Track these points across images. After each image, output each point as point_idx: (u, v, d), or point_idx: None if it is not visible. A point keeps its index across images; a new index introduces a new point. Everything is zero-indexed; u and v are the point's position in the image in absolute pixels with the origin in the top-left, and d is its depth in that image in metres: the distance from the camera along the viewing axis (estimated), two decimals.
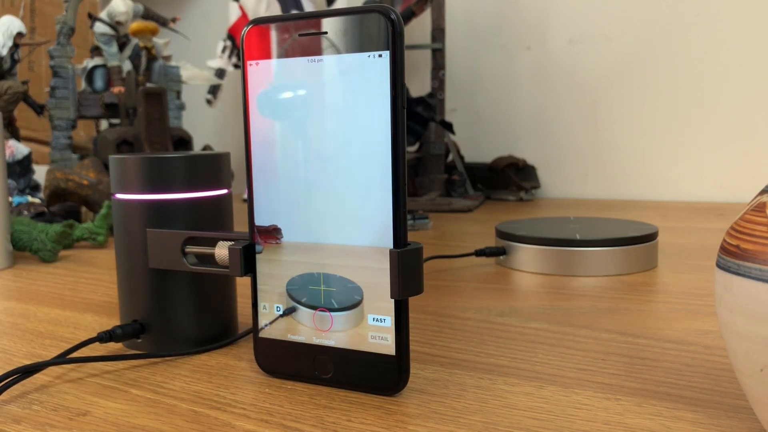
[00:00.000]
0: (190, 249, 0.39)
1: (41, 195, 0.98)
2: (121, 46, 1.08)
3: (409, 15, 1.18)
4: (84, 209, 0.93)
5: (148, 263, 0.40)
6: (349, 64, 0.32)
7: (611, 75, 1.21)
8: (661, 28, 1.16)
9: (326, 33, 0.33)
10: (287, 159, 0.34)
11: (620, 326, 0.44)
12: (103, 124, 1.25)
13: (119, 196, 0.41)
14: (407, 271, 0.32)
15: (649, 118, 1.18)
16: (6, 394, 0.35)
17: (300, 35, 0.33)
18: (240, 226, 0.45)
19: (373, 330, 0.33)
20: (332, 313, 0.34)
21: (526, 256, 0.62)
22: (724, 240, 0.27)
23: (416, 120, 1.17)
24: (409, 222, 0.90)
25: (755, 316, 0.24)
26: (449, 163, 1.22)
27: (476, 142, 1.33)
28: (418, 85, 1.31)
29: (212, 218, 0.42)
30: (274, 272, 0.36)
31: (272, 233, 0.35)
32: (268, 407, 0.33)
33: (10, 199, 0.93)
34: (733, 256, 0.26)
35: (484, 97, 1.33)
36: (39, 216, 0.88)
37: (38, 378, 0.37)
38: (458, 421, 0.31)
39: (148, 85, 1.09)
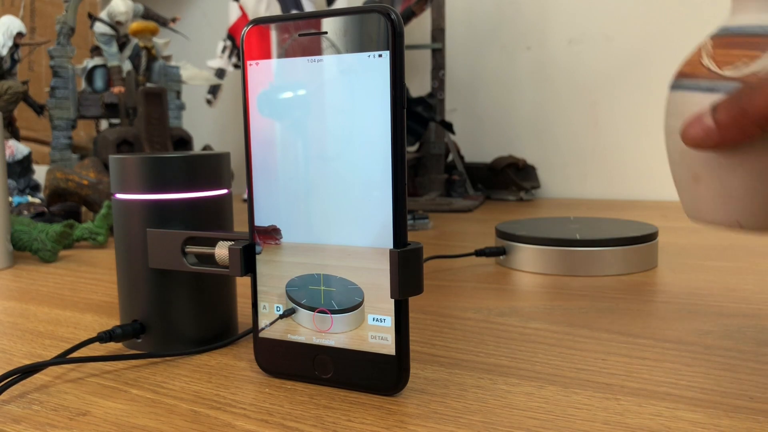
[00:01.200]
0: (190, 249, 0.39)
1: (41, 195, 0.98)
2: (121, 46, 1.08)
3: (409, 15, 1.18)
4: (84, 209, 0.93)
5: (148, 263, 0.40)
6: (349, 64, 0.32)
7: (611, 75, 1.21)
8: (661, 28, 1.16)
9: (326, 33, 0.33)
10: (287, 159, 0.34)
11: (620, 326, 0.44)
12: (103, 124, 1.25)
13: (119, 196, 0.41)
14: (407, 271, 0.32)
15: (649, 117, 1.18)
16: (6, 394, 0.35)
17: (300, 35, 0.33)
18: (240, 226, 0.45)
19: (373, 330, 0.33)
20: (332, 315, 0.34)
21: (526, 256, 0.62)
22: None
23: (416, 120, 1.17)
24: (409, 222, 0.90)
25: (678, 114, 0.34)
26: (449, 163, 1.22)
27: (476, 142, 1.33)
28: (418, 85, 1.31)
29: (212, 218, 0.42)
30: (274, 273, 0.36)
31: (271, 233, 0.35)
32: (268, 407, 0.33)
33: (10, 199, 0.93)
34: (676, 78, 0.35)
35: (484, 97, 1.33)
36: (39, 216, 0.88)
37: (38, 378, 0.37)
38: (458, 421, 0.31)
39: (148, 85, 1.09)
